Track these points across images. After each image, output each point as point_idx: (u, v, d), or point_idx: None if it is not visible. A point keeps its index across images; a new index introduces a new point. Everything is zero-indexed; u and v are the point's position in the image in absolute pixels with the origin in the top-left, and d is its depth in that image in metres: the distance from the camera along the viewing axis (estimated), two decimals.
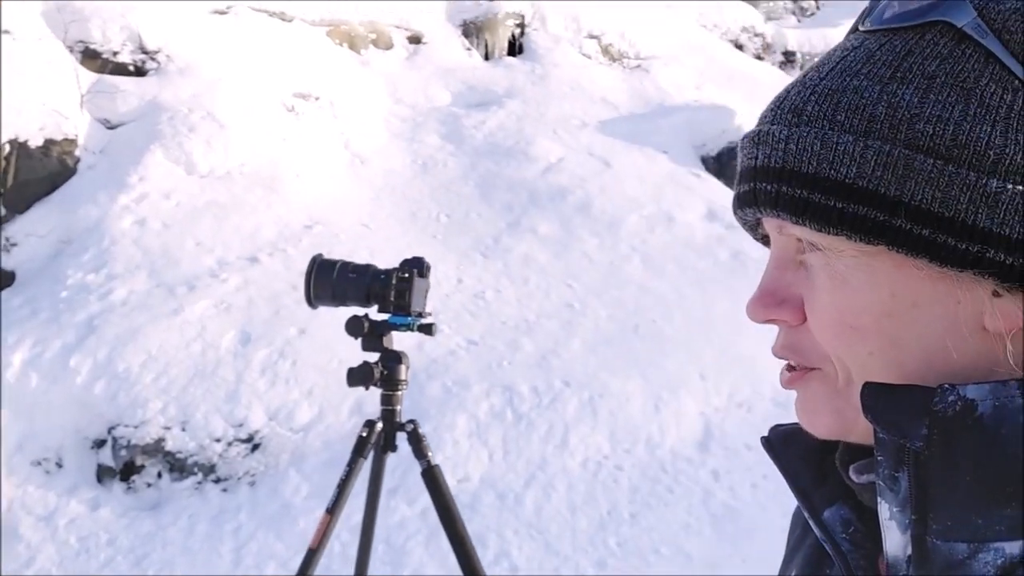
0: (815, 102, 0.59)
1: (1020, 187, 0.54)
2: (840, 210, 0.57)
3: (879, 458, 0.58)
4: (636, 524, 3.82)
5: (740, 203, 0.66)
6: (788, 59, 8.26)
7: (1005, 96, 0.55)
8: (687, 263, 5.35)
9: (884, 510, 0.59)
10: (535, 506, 3.85)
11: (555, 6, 7.40)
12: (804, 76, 0.63)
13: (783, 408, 4.54)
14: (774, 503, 4.05)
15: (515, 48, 7.43)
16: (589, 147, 6.15)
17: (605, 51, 7.21)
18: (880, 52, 0.59)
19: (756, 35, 8.19)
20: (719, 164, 6.32)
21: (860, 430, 0.63)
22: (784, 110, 0.61)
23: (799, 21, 8.90)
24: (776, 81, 7.78)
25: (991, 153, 0.54)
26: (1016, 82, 0.55)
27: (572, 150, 6.09)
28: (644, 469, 4.11)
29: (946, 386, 0.55)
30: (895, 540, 0.58)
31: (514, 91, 6.66)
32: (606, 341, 4.71)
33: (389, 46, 7.58)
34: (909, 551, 0.57)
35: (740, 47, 8.05)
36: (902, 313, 0.58)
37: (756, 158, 0.62)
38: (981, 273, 0.55)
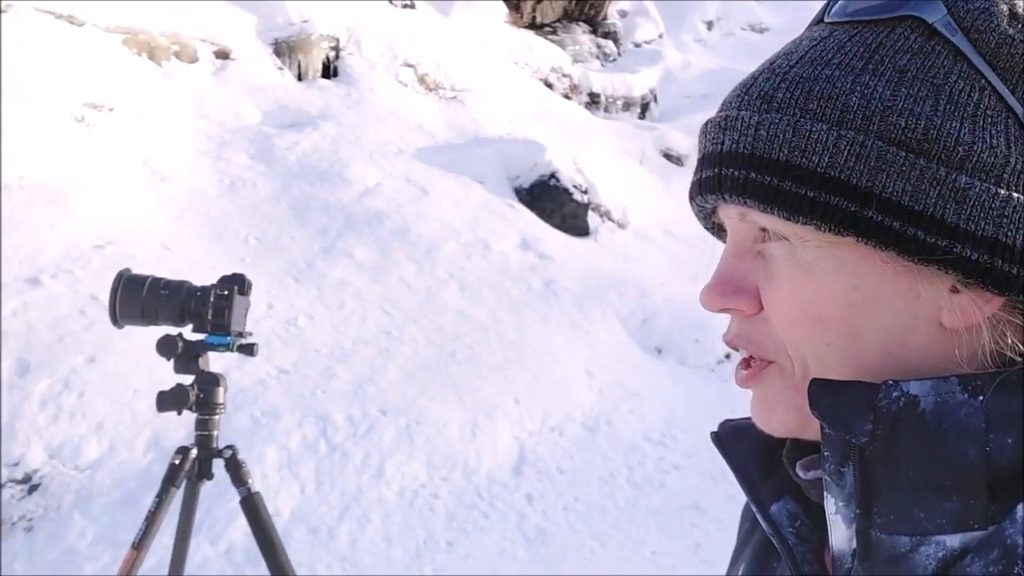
0: (786, 89, 0.59)
1: (986, 184, 0.55)
2: (811, 199, 0.56)
3: (825, 453, 0.58)
4: (452, 551, 3.80)
5: (702, 189, 0.64)
6: (593, 100, 8.72)
7: (972, 94, 0.56)
8: (503, 290, 5.46)
9: (830, 505, 0.58)
10: (349, 538, 3.73)
11: (371, 32, 7.37)
12: (771, 64, 0.62)
13: (592, 432, 4.72)
14: (584, 525, 4.17)
15: (330, 71, 7.30)
16: (406, 173, 6.14)
17: (421, 80, 7.27)
18: (851, 43, 0.59)
19: (564, 75, 8.59)
20: (532, 196, 6.52)
21: (816, 428, 0.61)
22: (753, 96, 0.60)
23: (603, 65, 9.44)
24: (583, 120, 8.19)
25: (960, 149, 0.55)
26: (983, 81, 0.56)
27: (389, 175, 6.05)
28: (461, 495, 4.10)
29: (890, 382, 0.55)
30: (841, 534, 0.58)
31: (329, 113, 6.53)
32: (424, 367, 4.69)
33: (194, 59, 7.20)
34: (854, 545, 0.57)
35: (550, 86, 8.41)
36: (863, 305, 0.58)
37: (723, 143, 0.61)
38: (945, 268, 0.55)
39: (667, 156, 8.40)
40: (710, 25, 10.92)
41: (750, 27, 11.15)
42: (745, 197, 0.59)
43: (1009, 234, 0.54)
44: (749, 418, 0.73)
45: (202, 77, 7.10)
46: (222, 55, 7.31)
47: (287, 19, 7.52)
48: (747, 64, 9.83)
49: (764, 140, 0.58)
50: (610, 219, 6.79)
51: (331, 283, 5.09)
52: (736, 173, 0.60)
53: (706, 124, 0.64)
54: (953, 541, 0.53)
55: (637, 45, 9.97)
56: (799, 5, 11.81)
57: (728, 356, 5.89)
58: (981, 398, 0.54)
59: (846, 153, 0.55)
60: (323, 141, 6.19)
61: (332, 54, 7.21)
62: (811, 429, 0.62)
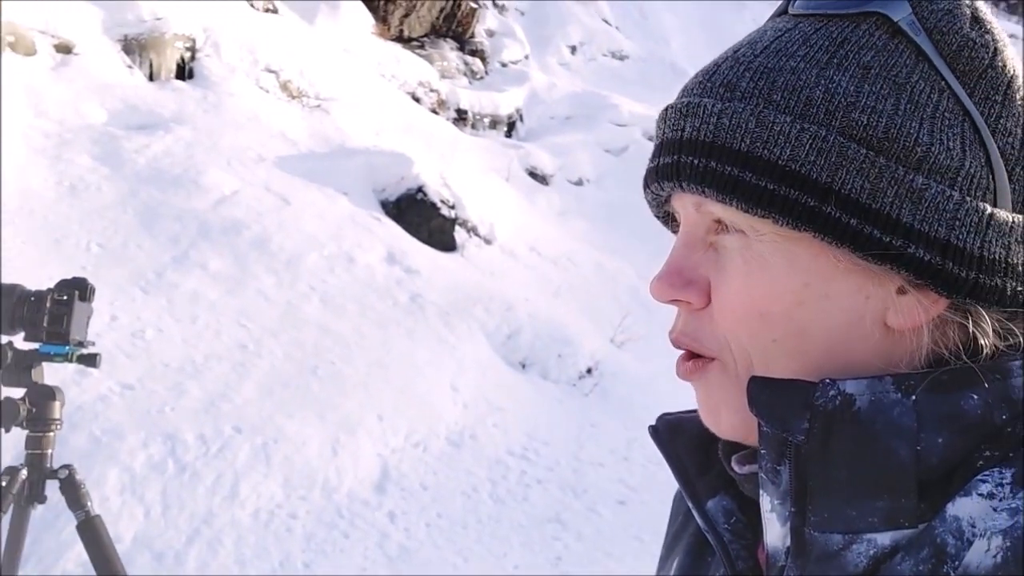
0: (750, 78, 0.58)
1: (941, 187, 0.54)
2: (771, 191, 0.55)
3: (762, 451, 0.57)
4: (311, 573, 3.65)
5: (658, 176, 0.62)
6: (461, 116, 8.76)
7: (932, 95, 0.55)
8: (367, 304, 5.34)
9: (765, 502, 0.58)
10: (199, 564, 3.51)
11: (230, 35, 7.08)
12: (735, 52, 0.61)
13: (456, 447, 4.68)
14: (447, 541, 4.12)
15: (185, 72, 6.95)
16: (267, 182, 5.91)
17: (284, 87, 7.05)
18: (816, 36, 0.58)
19: (432, 90, 8.58)
20: (398, 209, 6.45)
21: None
22: (716, 84, 0.59)
23: (470, 83, 9.50)
24: (450, 135, 8.19)
25: (919, 150, 0.54)
26: (943, 83, 0.56)
27: (248, 183, 5.81)
28: (320, 515, 3.96)
29: (827, 381, 0.55)
30: (775, 531, 0.58)
31: (184, 117, 6.21)
32: (282, 383, 4.50)
33: (31, 52, 6.66)
34: (788, 543, 0.57)
35: (417, 100, 8.37)
36: (812, 303, 0.57)
37: (683, 130, 0.59)
38: (896, 268, 0.55)
39: (532, 175, 8.54)
40: (574, 49, 11.24)
41: (611, 54, 11.56)
42: (704, 186, 0.57)
43: (960, 237, 0.54)
44: (688, 411, 0.72)
45: (40, 72, 6.59)
46: (63, 49, 6.82)
47: (138, 16, 7.10)
48: (609, 88, 10.13)
49: (726, 129, 0.57)
50: (477, 235, 6.81)
51: (183, 295, 4.81)
52: (696, 161, 0.58)
53: (666, 110, 0.63)
54: (884, 539, 0.53)
55: (504, 65, 10.11)
56: (657, 37, 12.36)
57: (589, 372, 6.02)
58: (913, 397, 0.54)
59: (808, 147, 0.55)
60: (176, 145, 5.86)
61: (188, 55, 6.87)
62: (753, 434, 0.61)
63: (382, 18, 8.87)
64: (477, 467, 4.59)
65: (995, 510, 0.50)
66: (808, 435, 0.55)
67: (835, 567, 0.54)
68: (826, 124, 0.55)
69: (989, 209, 0.55)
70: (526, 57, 10.46)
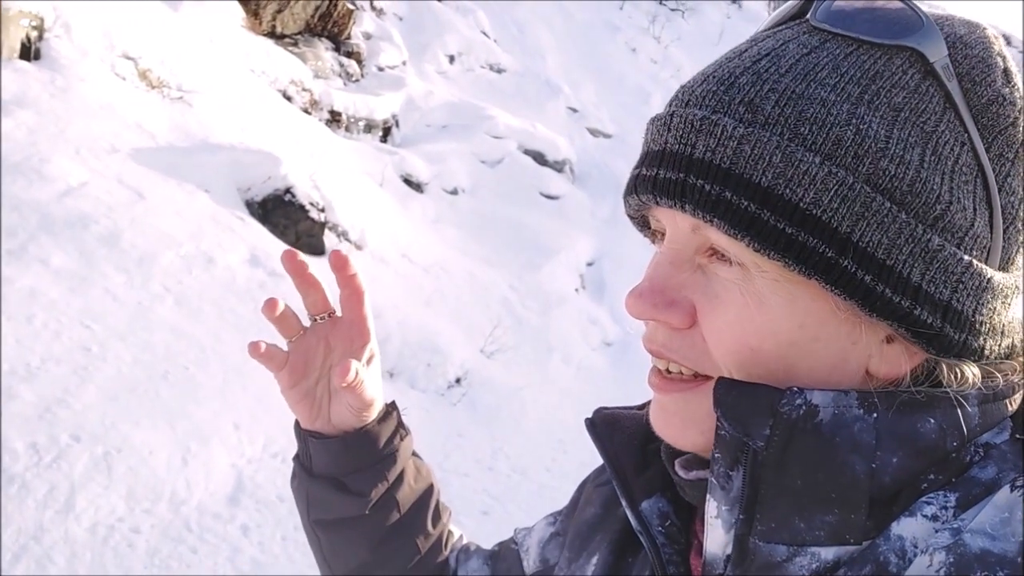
0: (775, 102, 0.52)
1: (952, 247, 0.52)
2: (789, 236, 0.51)
3: (716, 455, 0.55)
4: None
5: (656, 190, 0.56)
6: (334, 118, 8.54)
7: (955, 149, 0.52)
8: (227, 307, 5.08)
9: (712, 508, 0.56)
10: None
11: (84, 16, 6.62)
12: (754, 64, 0.55)
13: None
14: (303, 555, 3.97)
15: (31, 53, 6.42)
16: (120, 175, 5.54)
17: (143, 75, 6.64)
18: (847, 65, 0.53)
19: (304, 90, 8.32)
20: (264, 210, 6.19)
21: None
22: (735, 100, 0.54)
23: (345, 85, 9.30)
24: (322, 137, 7.96)
25: (938, 207, 0.52)
26: (966, 135, 0.53)
27: (99, 175, 5.42)
28: (166, 529, 3.71)
29: (795, 388, 0.54)
30: (717, 538, 0.56)
31: (27, 100, 5.72)
32: (129, 389, 4.21)
33: None
34: (729, 550, 0.55)
35: (288, 98, 8.10)
36: (803, 345, 0.55)
37: (694, 146, 0.54)
38: (894, 325, 0.52)
39: (407, 181, 8.44)
40: (452, 59, 11.23)
41: (489, 66, 11.63)
42: (714, 216, 0.53)
43: (961, 300, 0.53)
44: (626, 408, 0.70)
45: None
46: None
47: None
48: (486, 100, 10.14)
49: (747, 158, 0.52)
50: (347, 239, 6.65)
51: (18, 292, 4.42)
52: (708, 187, 0.53)
53: (670, 117, 0.57)
54: (828, 554, 0.52)
55: (381, 69, 9.97)
56: (533, 53, 12.55)
57: (458, 381, 5.98)
58: (875, 415, 0.53)
59: (833, 192, 0.51)
60: (17, 130, 5.40)
61: (34, 34, 6.35)
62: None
63: (253, 12, 8.54)
64: None
65: (937, 531, 0.49)
66: (768, 441, 0.53)
67: None
68: (853, 170, 0.51)
69: (989, 273, 0.54)
70: (403, 63, 10.36)
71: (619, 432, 0.70)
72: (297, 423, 0.95)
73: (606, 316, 8.23)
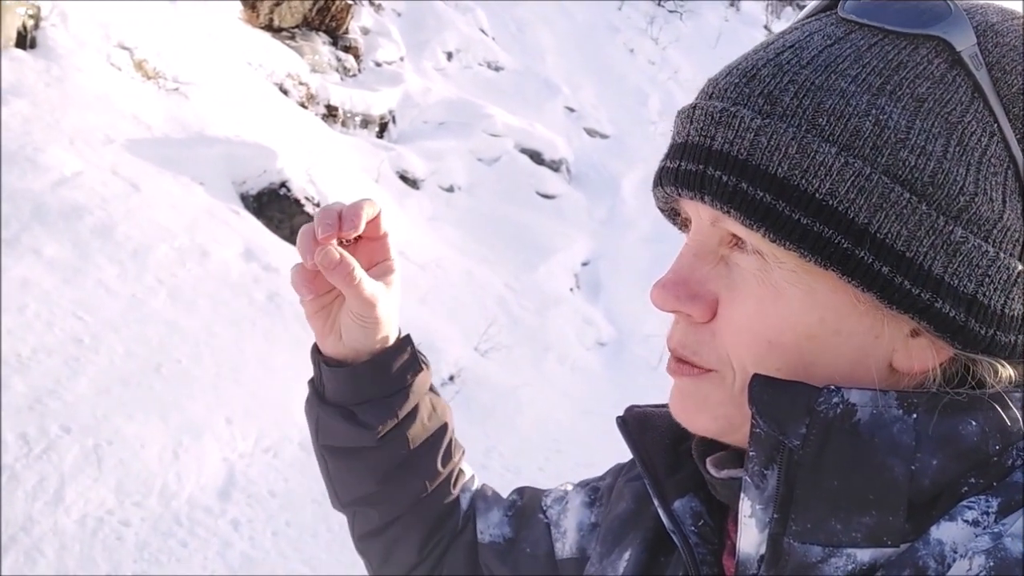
0: (794, 94, 0.52)
1: (978, 240, 0.51)
2: (804, 226, 0.51)
3: (751, 454, 0.54)
4: None
5: (678, 182, 0.57)
6: (331, 112, 8.51)
7: (982, 139, 0.52)
8: (221, 300, 5.07)
9: (746, 507, 0.55)
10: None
11: (80, 6, 6.59)
12: (777, 56, 0.55)
13: (309, 453, 4.49)
14: (295, 550, 3.96)
15: (26, 42, 6.39)
16: (115, 166, 5.51)
17: (139, 66, 6.61)
18: (870, 55, 0.53)
19: (301, 83, 8.29)
20: (259, 204, 6.17)
21: (739, 436, 0.58)
22: (755, 92, 0.53)
23: (342, 79, 9.27)
24: (319, 132, 7.94)
25: (962, 199, 0.51)
26: (995, 126, 0.52)
27: (93, 166, 5.40)
28: (156, 523, 3.70)
29: (831, 387, 0.53)
30: (751, 538, 0.55)
31: (23, 89, 5.69)
32: (121, 381, 4.19)
33: None
34: (763, 550, 0.54)
35: (285, 92, 8.07)
36: (823, 338, 0.54)
37: (713, 138, 0.54)
38: (917, 318, 0.52)
39: (403, 178, 8.41)
40: (450, 56, 11.21)
41: (487, 64, 11.61)
42: (730, 206, 0.53)
43: (987, 294, 0.52)
44: (657, 406, 0.68)
45: None
46: None
47: None
48: (484, 98, 10.13)
49: (763, 149, 0.52)
50: None
51: (11, 282, 4.40)
52: (725, 178, 0.53)
53: (692, 110, 0.57)
54: (864, 555, 0.51)
55: (378, 64, 9.94)
56: (533, 52, 12.53)
57: (452, 379, 5.97)
58: (915, 416, 0.52)
59: (850, 183, 0.50)
60: (12, 119, 5.37)
61: (31, 23, 6.32)
62: (732, 436, 0.60)
63: (251, 5, 8.51)
64: None
65: (977, 536, 0.49)
66: (804, 441, 0.52)
67: None
68: (872, 161, 0.51)
69: (1020, 267, 0.53)
70: (401, 59, 10.33)
71: (651, 431, 0.69)
72: (315, 346, 0.94)
73: (601, 316, 8.23)
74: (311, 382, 0.96)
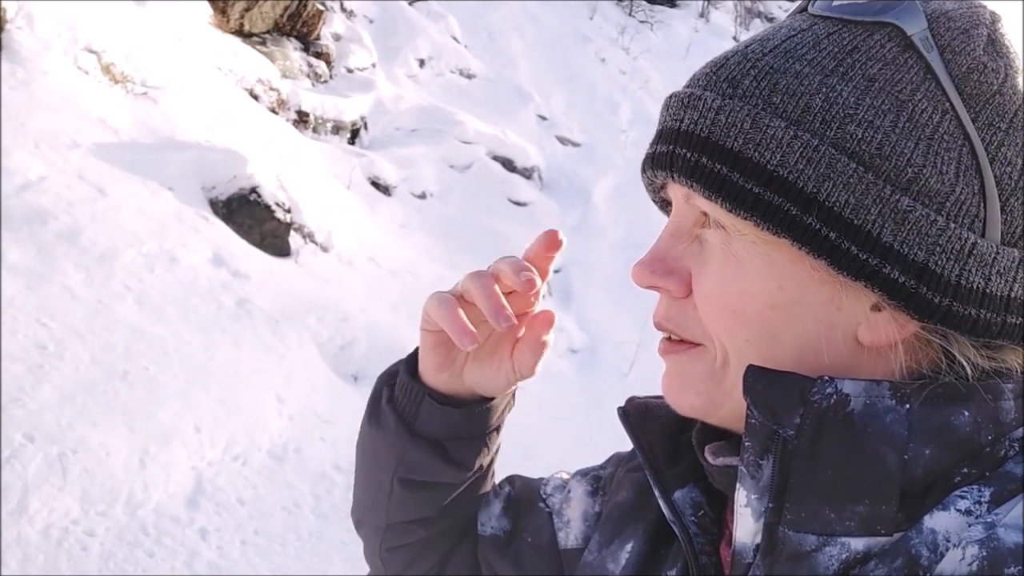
0: (753, 77, 0.56)
1: (927, 210, 0.53)
2: (755, 195, 0.54)
3: (746, 443, 0.56)
4: None
5: (653, 164, 0.61)
6: (302, 118, 8.47)
7: (934, 116, 0.54)
8: (189, 307, 5.01)
9: (741, 496, 0.56)
10: None
11: (46, 9, 6.50)
12: (746, 47, 0.59)
13: (279, 461, 4.47)
14: (263, 559, 3.93)
15: None
16: (80, 170, 5.43)
17: (106, 70, 6.53)
18: (827, 41, 0.56)
19: (272, 89, 8.24)
20: (229, 210, 6.12)
21: (723, 414, 0.61)
22: (721, 78, 0.58)
23: (313, 85, 9.23)
24: (289, 137, 7.89)
25: (910, 171, 0.53)
26: (947, 104, 0.54)
27: (58, 170, 5.32)
28: (121, 532, 3.65)
29: (825, 378, 0.54)
30: (747, 527, 0.56)
31: None
32: (86, 389, 4.13)
33: None
34: (759, 540, 0.55)
35: (256, 97, 8.01)
36: (785, 308, 0.56)
37: (681, 121, 0.58)
38: (870, 286, 0.54)
39: (375, 184, 8.39)
40: (422, 63, 11.21)
41: (459, 71, 11.63)
42: (692, 180, 0.57)
43: (939, 263, 0.53)
44: (657, 397, 0.69)
45: None
46: None
47: None
48: (456, 105, 10.16)
49: (722, 126, 0.55)
50: (313, 241, 6.59)
51: None
52: (688, 155, 0.57)
53: (670, 98, 0.61)
54: (858, 544, 0.52)
55: (350, 71, 9.91)
56: (504, 60, 12.57)
57: None
58: (908, 406, 0.53)
59: (798, 154, 0.53)
60: None
61: None
62: (716, 415, 0.62)
63: (221, 9, 8.44)
64: (300, 482, 4.40)
65: (970, 525, 0.50)
66: (798, 431, 0.54)
67: (804, 568, 0.53)
68: (820, 134, 0.54)
69: (973, 238, 0.54)
70: (373, 65, 10.31)
71: (651, 421, 0.70)
72: (407, 373, 0.85)
73: (572, 323, 8.26)
74: (392, 407, 0.86)
